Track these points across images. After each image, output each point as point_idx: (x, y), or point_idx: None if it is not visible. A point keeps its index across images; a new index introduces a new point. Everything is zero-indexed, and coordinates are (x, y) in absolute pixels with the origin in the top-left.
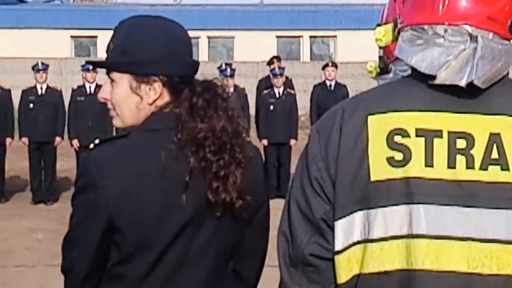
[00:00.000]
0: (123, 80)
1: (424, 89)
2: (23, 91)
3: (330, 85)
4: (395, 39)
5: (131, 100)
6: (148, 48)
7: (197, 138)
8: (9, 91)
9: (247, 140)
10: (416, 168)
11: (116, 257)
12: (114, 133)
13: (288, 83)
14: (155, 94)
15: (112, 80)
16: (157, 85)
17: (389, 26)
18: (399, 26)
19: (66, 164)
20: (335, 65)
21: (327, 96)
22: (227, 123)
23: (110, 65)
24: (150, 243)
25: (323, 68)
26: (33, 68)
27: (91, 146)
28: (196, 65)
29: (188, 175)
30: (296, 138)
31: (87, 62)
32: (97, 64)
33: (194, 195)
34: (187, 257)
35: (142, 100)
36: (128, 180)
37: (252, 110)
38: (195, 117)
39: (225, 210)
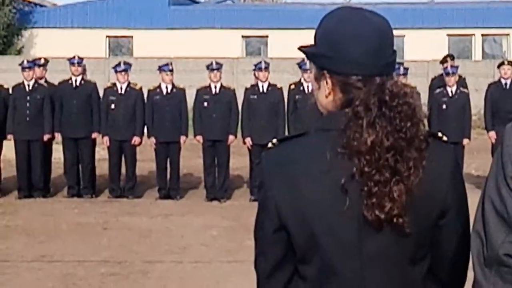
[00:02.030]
0: (312, 68)
1: None
2: (197, 90)
3: (506, 84)
4: None
5: (315, 88)
6: (322, 42)
7: (353, 148)
8: (183, 90)
9: (425, 147)
10: None
11: (297, 257)
12: (286, 132)
13: (462, 82)
14: (327, 89)
15: None
16: (327, 80)
17: None
18: None
19: (238, 162)
20: (511, 63)
21: (502, 95)
22: (386, 136)
23: (305, 52)
24: (317, 245)
25: (499, 66)
26: (207, 67)
27: (269, 145)
28: (379, 65)
29: (348, 180)
30: (469, 138)
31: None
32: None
33: (355, 203)
34: (361, 262)
35: (319, 91)
36: (294, 180)
37: (424, 109)
38: (354, 126)
39: (381, 227)
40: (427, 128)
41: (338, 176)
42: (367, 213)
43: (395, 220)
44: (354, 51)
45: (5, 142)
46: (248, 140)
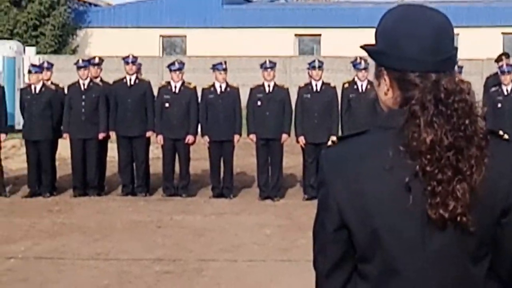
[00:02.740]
0: (373, 65)
1: None
2: (251, 89)
3: None
4: None
5: (375, 86)
6: (381, 39)
7: (413, 147)
8: (237, 89)
9: (485, 144)
10: None
11: (357, 255)
12: (340, 131)
13: None
14: (386, 85)
15: None
16: (385, 77)
17: None
18: None
19: (291, 161)
20: None
21: None
22: (445, 135)
23: (366, 49)
24: (379, 243)
25: None
26: (261, 66)
27: (329, 143)
28: (436, 61)
29: (411, 178)
30: None
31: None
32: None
33: (419, 201)
34: (423, 261)
35: (379, 88)
36: (355, 178)
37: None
38: (412, 125)
39: (445, 225)
40: (483, 125)
41: (401, 174)
42: (431, 212)
43: (459, 218)
44: (410, 48)
45: (60, 141)
46: (302, 139)
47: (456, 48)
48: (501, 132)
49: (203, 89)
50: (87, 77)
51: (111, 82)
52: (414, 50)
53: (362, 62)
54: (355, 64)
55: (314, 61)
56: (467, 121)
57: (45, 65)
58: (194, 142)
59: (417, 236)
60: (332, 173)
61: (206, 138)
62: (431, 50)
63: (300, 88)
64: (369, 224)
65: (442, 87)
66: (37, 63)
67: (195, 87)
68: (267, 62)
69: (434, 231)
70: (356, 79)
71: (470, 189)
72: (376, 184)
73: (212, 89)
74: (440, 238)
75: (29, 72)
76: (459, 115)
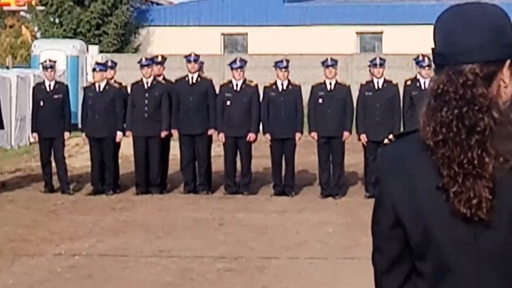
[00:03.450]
0: None
1: None
2: (313, 87)
3: None
4: None
5: None
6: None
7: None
8: (299, 87)
9: (489, 133)
10: None
11: (413, 253)
12: (402, 128)
13: None
14: None
15: None
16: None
17: None
18: None
19: (353, 159)
20: None
21: None
22: (440, 128)
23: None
24: (432, 240)
25: None
26: (322, 64)
27: (386, 141)
28: (451, 52)
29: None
30: None
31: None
32: None
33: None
34: (477, 259)
35: None
36: (410, 176)
37: None
38: (428, 121)
39: (476, 226)
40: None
41: None
42: (461, 210)
43: (484, 219)
44: (437, 42)
45: (123, 139)
46: (363, 137)
47: (490, 39)
48: None
49: (264, 87)
50: (150, 75)
51: (173, 80)
52: (439, 43)
53: (426, 59)
54: (418, 61)
55: (375, 58)
56: (464, 110)
57: (109, 63)
58: (255, 140)
59: (469, 235)
60: (387, 171)
61: (268, 136)
62: (448, 42)
63: (361, 85)
64: (422, 222)
65: (435, 80)
66: (100, 61)
67: (256, 85)
68: (329, 59)
69: (487, 228)
70: (418, 76)
71: (492, 189)
72: (429, 182)
73: (273, 87)
74: (494, 235)
75: (94, 70)
76: (450, 107)
